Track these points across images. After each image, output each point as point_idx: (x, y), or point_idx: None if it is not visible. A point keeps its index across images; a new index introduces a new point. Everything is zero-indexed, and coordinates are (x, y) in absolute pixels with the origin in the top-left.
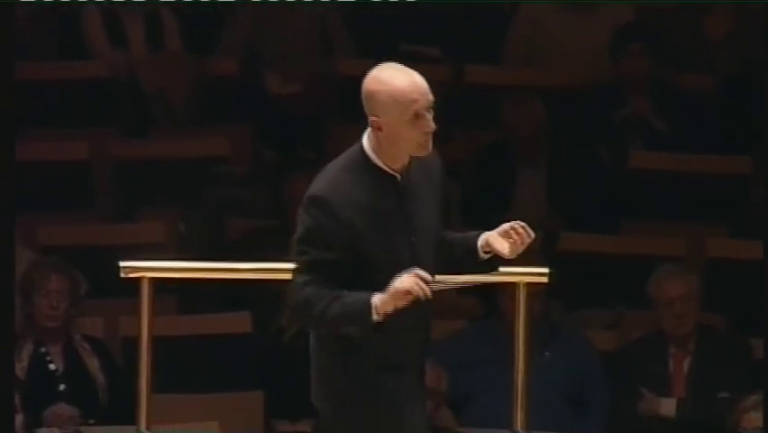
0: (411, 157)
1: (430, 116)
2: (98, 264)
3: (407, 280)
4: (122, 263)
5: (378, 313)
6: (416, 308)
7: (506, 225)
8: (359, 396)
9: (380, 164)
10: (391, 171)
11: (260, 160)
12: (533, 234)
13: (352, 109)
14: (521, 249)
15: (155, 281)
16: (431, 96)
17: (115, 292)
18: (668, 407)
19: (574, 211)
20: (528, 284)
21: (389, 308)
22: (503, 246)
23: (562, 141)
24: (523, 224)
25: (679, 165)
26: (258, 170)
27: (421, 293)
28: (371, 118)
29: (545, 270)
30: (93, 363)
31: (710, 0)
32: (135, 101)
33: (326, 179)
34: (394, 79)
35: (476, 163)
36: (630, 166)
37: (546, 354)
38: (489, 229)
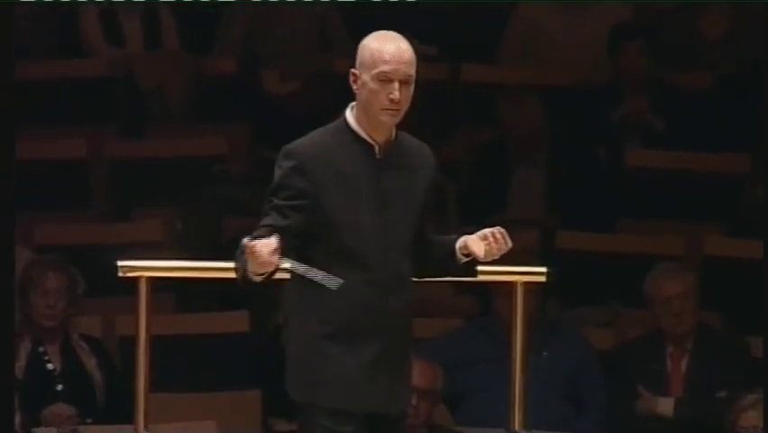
0: (397, 136)
1: (399, 87)
2: (96, 263)
3: (257, 242)
4: (119, 263)
5: (246, 269)
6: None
7: (486, 230)
8: (307, 363)
9: (359, 131)
10: (370, 141)
11: (258, 158)
12: (510, 243)
13: None
14: (496, 255)
15: (152, 280)
16: (407, 70)
17: (113, 291)
18: (666, 406)
19: (571, 210)
20: (526, 283)
21: (251, 267)
22: (479, 248)
23: (559, 139)
24: (502, 231)
25: (676, 163)
26: (255, 169)
27: (264, 255)
28: (352, 69)
29: (543, 269)
30: (90, 363)
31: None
32: (133, 99)
33: (305, 137)
34: (380, 40)
35: (473, 162)
36: (627, 164)
37: (544, 353)
38: (485, 228)
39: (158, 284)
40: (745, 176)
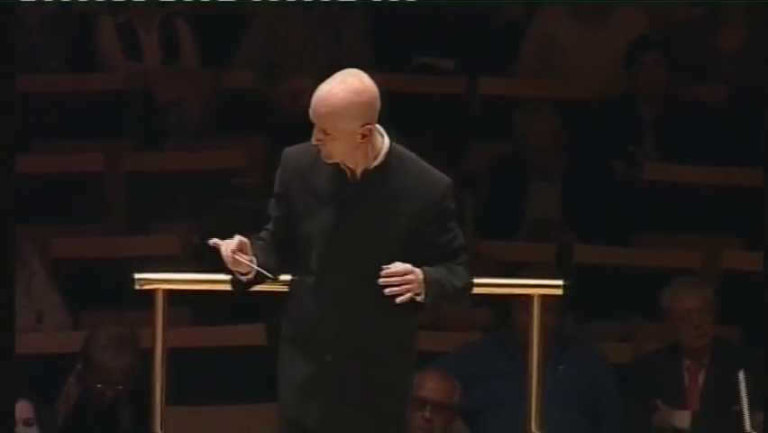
0: (386, 165)
1: (317, 133)
2: (112, 276)
3: (221, 241)
4: (136, 275)
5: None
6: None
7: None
8: (278, 365)
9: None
10: (343, 165)
11: (276, 171)
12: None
13: None
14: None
15: (169, 293)
16: (320, 122)
17: (129, 304)
18: (683, 419)
19: (588, 223)
20: (543, 296)
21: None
22: None
23: (575, 153)
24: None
25: (693, 177)
26: (273, 182)
27: (223, 253)
28: None
29: (560, 282)
30: None
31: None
32: (150, 113)
33: (306, 143)
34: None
35: (490, 176)
36: (644, 178)
37: (560, 367)
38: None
39: (174, 297)
40: (761, 189)
